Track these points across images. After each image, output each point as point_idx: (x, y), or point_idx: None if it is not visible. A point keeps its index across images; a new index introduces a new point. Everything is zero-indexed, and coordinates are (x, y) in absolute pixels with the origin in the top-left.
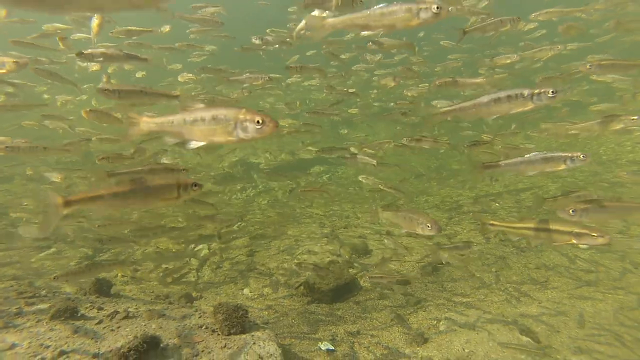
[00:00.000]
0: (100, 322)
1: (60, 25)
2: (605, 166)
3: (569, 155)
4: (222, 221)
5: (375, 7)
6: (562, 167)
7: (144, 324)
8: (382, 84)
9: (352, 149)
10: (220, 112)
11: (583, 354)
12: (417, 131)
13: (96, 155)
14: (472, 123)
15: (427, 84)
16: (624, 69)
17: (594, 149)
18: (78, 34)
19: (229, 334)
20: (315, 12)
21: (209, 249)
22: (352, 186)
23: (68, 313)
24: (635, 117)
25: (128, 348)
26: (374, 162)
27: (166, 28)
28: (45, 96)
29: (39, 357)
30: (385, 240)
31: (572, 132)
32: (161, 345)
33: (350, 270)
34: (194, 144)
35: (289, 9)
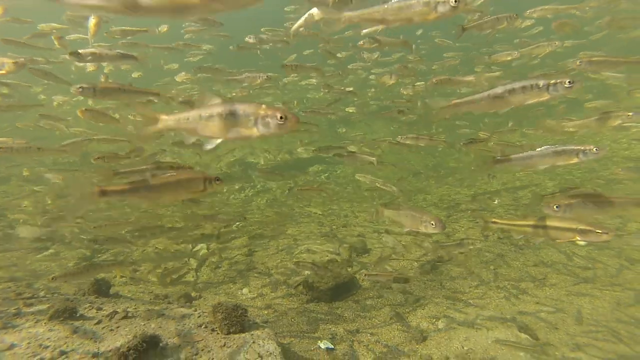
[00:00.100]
0: (99, 322)
1: (55, 24)
2: (601, 163)
3: (582, 148)
4: (223, 221)
5: (392, 0)
6: (575, 160)
7: (143, 323)
8: (380, 81)
9: (350, 148)
10: (240, 108)
11: (581, 351)
12: (414, 129)
13: (92, 155)
14: (469, 121)
15: (423, 82)
16: (615, 66)
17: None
18: (74, 35)
19: (229, 333)
20: (314, 10)
21: (207, 248)
22: (350, 185)
23: (67, 313)
24: (630, 114)
25: (127, 347)
26: (374, 159)
27: (164, 28)
28: (42, 97)
29: (38, 357)
30: (384, 239)
31: (571, 129)
32: (160, 344)
33: (349, 269)
34: (213, 141)
35: (285, 8)
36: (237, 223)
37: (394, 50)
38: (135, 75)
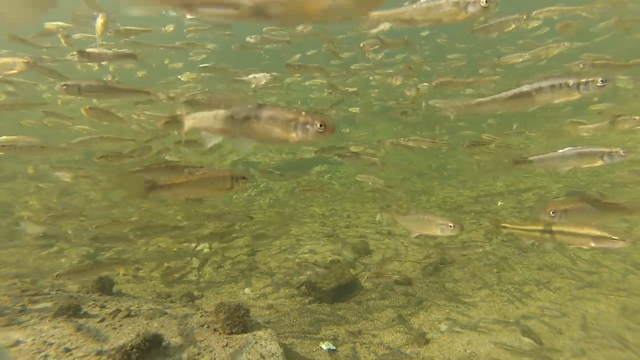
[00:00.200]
0: (102, 320)
1: (62, 23)
2: (607, 166)
3: (607, 150)
4: (231, 220)
5: (421, 0)
6: (599, 163)
7: (145, 322)
8: (386, 83)
9: (352, 148)
10: (281, 112)
11: (586, 357)
12: (417, 130)
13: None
14: (473, 122)
15: (427, 84)
16: (618, 69)
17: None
18: (79, 34)
19: (231, 333)
20: None
21: (210, 248)
22: (353, 186)
23: (71, 311)
24: (637, 117)
25: (131, 346)
26: (377, 160)
27: (170, 27)
28: (47, 94)
29: (43, 354)
30: (386, 240)
31: (584, 133)
32: (163, 343)
33: (352, 270)
34: (247, 143)
35: None
36: (240, 223)
37: (398, 51)
38: (139, 74)
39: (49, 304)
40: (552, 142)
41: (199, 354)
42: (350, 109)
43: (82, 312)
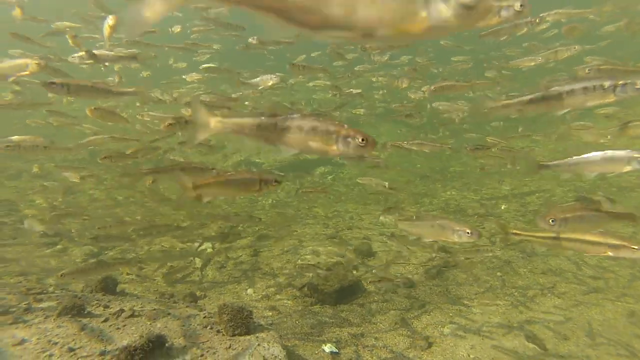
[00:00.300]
0: (106, 320)
1: (69, 23)
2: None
3: (637, 156)
4: (238, 221)
5: None
6: (627, 168)
7: (149, 323)
8: (394, 85)
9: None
10: (323, 124)
11: None
12: (421, 133)
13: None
14: (477, 124)
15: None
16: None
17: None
18: (85, 34)
19: (234, 335)
20: None
21: (213, 248)
22: (356, 187)
23: (75, 310)
24: None
25: (134, 347)
26: (380, 161)
27: (177, 28)
28: (53, 94)
29: (47, 353)
30: (389, 242)
31: (607, 138)
32: (167, 344)
33: (355, 272)
34: (286, 151)
35: None
36: (244, 224)
37: (403, 53)
38: (144, 74)
39: (53, 303)
40: (558, 145)
41: (202, 355)
42: (353, 111)
43: (85, 312)
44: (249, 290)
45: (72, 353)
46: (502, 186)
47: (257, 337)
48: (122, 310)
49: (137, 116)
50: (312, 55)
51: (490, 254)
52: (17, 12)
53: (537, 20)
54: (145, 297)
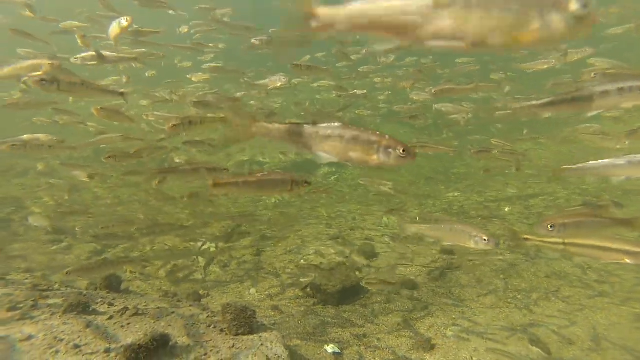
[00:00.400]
0: (111, 318)
1: (76, 23)
2: None
3: None
4: (252, 221)
5: None
6: None
7: (153, 321)
8: (400, 86)
9: None
10: (365, 134)
11: None
12: (425, 134)
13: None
14: (481, 126)
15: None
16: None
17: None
18: (92, 34)
19: (237, 334)
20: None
21: (216, 247)
22: (360, 188)
23: (80, 308)
24: None
25: (139, 345)
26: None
27: (184, 28)
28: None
29: (54, 349)
30: (392, 243)
31: (623, 144)
32: (170, 343)
33: (358, 273)
34: (326, 157)
35: None
36: (243, 225)
37: (408, 55)
38: (148, 74)
39: (59, 300)
40: (562, 148)
41: (205, 354)
42: (356, 112)
43: (90, 309)
44: (252, 290)
45: (77, 350)
46: (507, 189)
47: (261, 336)
48: (126, 309)
49: (143, 116)
50: (317, 55)
51: (501, 257)
52: (28, 12)
53: None
54: (149, 295)
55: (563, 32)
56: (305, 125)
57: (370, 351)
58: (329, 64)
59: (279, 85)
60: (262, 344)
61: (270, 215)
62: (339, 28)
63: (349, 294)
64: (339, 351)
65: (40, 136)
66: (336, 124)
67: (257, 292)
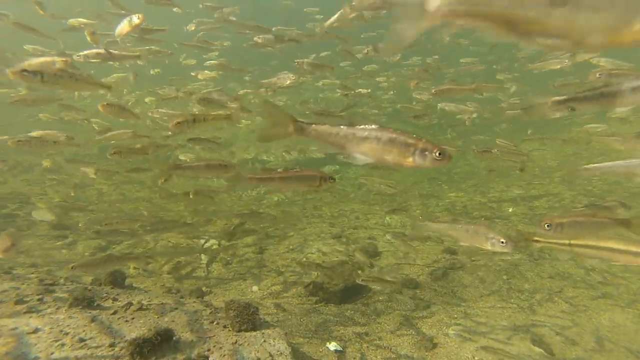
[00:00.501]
0: (115, 313)
1: (84, 20)
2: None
3: None
4: (261, 220)
5: None
6: None
7: (157, 316)
8: (414, 83)
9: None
10: (400, 137)
11: None
12: (429, 134)
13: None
14: (485, 126)
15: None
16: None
17: (613, 158)
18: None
19: (240, 331)
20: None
21: (219, 245)
22: (364, 187)
23: (85, 302)
24: None
25: (143, 339)
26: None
27: (192, 26)
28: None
29: (60, 342)
30: (394, 242)
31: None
32: (174, 338)
33: (360, 271)
34: (362, 159)
35: (304, 10)
36: (243, 223)
37: (412, 54)
38: (152, 72)
39: (64, 295)
40: (566, 148)
41: (208, 350)
42: (360, 111)
43: (95, 304)
44: (254, 288)
45: (82, 343)
46: (511, 189)
47: (263, 333)
48: (130, 304)
49: (148, 113)
50: (322, 54)
51: (504, 258)
52: (39, 10)
53: None
54: (152, 291)
55: None
56: (342, 127)
57: (372, 349)
58: (336, 63)
59: (287, 83)
60: (264, 341)
61: (275, 213)
62: (458, 15)
63: (351, 292)
64: (341, 349)
65: (50, 132)
66: (373, 126)
67: (259, 289)
